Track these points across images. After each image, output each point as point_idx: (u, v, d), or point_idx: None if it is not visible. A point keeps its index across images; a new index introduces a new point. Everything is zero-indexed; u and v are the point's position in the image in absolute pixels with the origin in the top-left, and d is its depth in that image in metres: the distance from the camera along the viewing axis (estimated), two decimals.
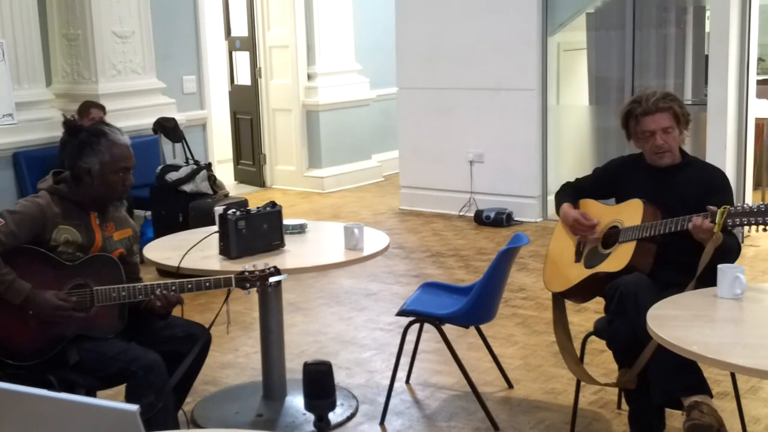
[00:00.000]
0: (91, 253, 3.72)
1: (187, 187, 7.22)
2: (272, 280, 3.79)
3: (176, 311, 3.92)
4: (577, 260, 4.17)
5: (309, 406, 2.36)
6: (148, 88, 8.61)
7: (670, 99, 4.05)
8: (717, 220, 3.62)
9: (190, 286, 3.74)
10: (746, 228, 3.60)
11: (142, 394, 3.56)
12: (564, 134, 8.74)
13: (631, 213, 4.01)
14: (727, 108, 7.36)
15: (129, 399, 3.61)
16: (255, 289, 3.79)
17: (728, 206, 3.64)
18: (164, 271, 4.27)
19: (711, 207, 3.69)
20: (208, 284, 3.76)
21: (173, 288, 3.71)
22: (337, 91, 10.54)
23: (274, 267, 3.82)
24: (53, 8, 8.32)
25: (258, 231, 4.31)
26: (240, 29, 10.75)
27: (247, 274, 3.77)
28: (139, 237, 4.09)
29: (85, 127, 3.89)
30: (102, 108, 7.51)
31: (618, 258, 3.96)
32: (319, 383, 2.33)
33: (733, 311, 3.37)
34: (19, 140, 7.51)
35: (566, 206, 4.27)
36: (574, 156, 8.80)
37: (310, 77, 10.43)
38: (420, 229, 8.48)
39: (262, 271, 3.79)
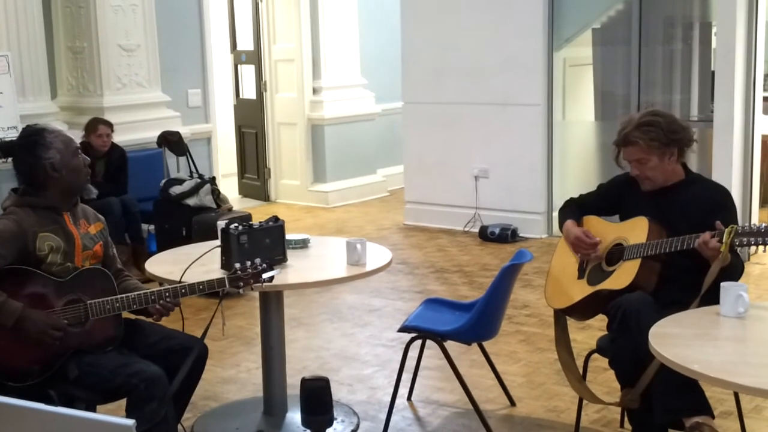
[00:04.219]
0: (76, 253, 3.71)
1: (191, 201, 7.21)
2: (265, 276, 3.76)
3: (177, 326, 3.90)
4: (580, 277, 4.15)
5: (306, 422, 2.35)
6: (153, 101, 8.62)
7: (644, 129, 3.95)
8: (724, 240, 3.60)
9: (183, 290, 3.72)
10: (753, 247, 3.58)
11: (144, 406, 3.54)
12: (570, 150, 8.72)
13: (636, 231, 3.99)
14: (733, 124, 7.34)
15: (130, 412, 3.59)
16: (249, 287, 3.77)
17: (735, 226, 3.62)
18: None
19: (719, 224, 3.66)
20: (201, 287, 3.74)
21: (167, 294, 3.70)
22: (343, 105, 10.54)
23: (267, 263, 3.80)
24: (59, 21, 8.34)
25: (260, 245, 4.29)
26: (246, 43, 10.76)
27: (239, 273, 3.75)
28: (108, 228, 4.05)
29: (19, 137, 3.85)
30: (110, 125, 7.53)
31: (622, 275, 3.94)
32: (317, 399, 2.32)
33: (736, 330, 3.34)
34: None
35: (570, 223, 4.25)
36: (579, 172, 8.77)
37: (315, 91, 10.43)
38: (424, 244, 8.46)
39: (254, 267, 3.76)
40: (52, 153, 3.71)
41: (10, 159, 3.88)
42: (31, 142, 3.73)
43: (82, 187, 3.88)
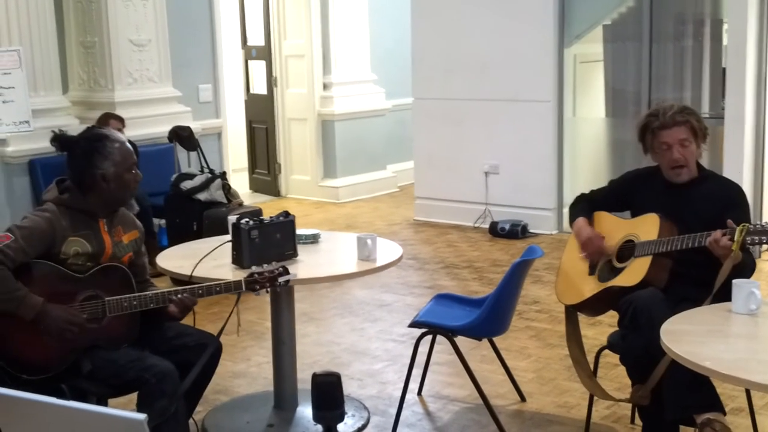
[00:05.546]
0: (102, 260, 3.71)
1: (202, 196, 7.22)
2: (281, 280, 3.79)
3: (189, 320, 3.91)
4: (591, 273, 4.14)
5: (317, 417, 2.35)
6: (164, 96, 8.62)
7: (687, 112, 4.02)
8: (736, 238, 3.59)
9: (200, 291, 3.74)
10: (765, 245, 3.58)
11: (155, 401, 3.55)
12: (580, 146, 8.71)
13: (647, 227, 3.98)
14: (744, 121, 7.32)
15: (141, 407, 3.61)
16: (265, 290, 3.78)
17: (747, 224, 3.61)
18: (178, 279, 4.28)
19: (731, 222, 3.65)
20: (218, 288, 3.76)
21: (184, 293, 3.71)
22: (353, 100, 10.54)
23: (283, 267, 3.82)
24: (70, 16, 8.35)
25: (271, 241, 4.30)
26: (256, 38, 10.76)
27: (256, 276, 3.77)
28: (144, 237, 4.06)
29: (81, 136, 3.83)
30: (121, 120, 7.53)
31: (633, 272, 3.93)
32: (328, 394, 2.32)
33: (748, 326, 3.33)
34: (35, 147, 7.50)
35: (582, 221, 4.24)
36: (590, 168, 8.76)
37: (325, 87, 10.43)
38: (434, 240, 8.46)
39: (271, 272, 3.79)
40: (108, 165, 3.71)
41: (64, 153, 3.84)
42: (91, 148, 3.72)
43: (126, 202, 3.90)
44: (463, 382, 4.74)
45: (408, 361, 4.53)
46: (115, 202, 3.80)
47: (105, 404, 3.77)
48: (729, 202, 3.94)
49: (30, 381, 3.53)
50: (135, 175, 3.82)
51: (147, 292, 3.72)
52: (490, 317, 4.36)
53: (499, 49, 8.56)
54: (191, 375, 3.68)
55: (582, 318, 4.42)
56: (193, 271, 4.05)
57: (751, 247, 3.68)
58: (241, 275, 4.01)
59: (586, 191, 4.43)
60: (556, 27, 8.31)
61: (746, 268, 3.74)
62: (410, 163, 9.78)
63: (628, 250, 4.03)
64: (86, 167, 3.72)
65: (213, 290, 3.76)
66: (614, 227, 4.17)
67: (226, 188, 7.37)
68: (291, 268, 3.92)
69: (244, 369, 5.35)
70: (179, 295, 3.71)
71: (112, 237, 3.78)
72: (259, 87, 10.91)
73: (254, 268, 3.82)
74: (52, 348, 3.58)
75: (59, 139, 3.83)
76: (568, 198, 7.89)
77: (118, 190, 3.75)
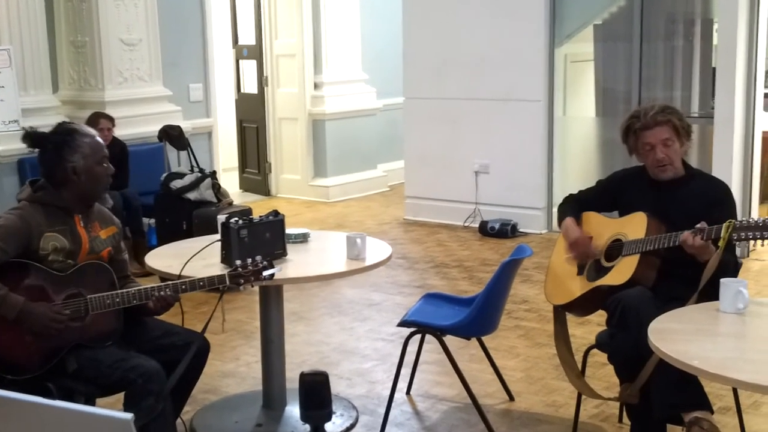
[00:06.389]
0: (80, 255, 3.70)
1: (192, 195, 7.21)
2: (266, 273, 3.77)
3: (177, 319, 3.91)
4: (580, 273, 4.15)
5: (305, 417, 2.35)
6: (155, 95, 8.62)
7: (668, 112, 4.02)
8: (722, 234, 3.61)
9: (184, 286, 3.72)
10: (751, 242, 3.58)
11: (141, 400, 3.54)
12: (570, 146, 8.72)
13: (634, 226, 3.99)
14: (734, 121, 7.33)
15: (128, 406, 3.60)
16: (250, 284, 3.77)
17: (733, 220, 3.62)
18: (167, 279, 4.27)
19: (702, 223, 3.68)
20: (202, 283, 3.74)
21: (167, 289, 3.70)
22: (344, 100, 10.54)
23: (267, 260, 3.80)
24: (61, 15, 8.34)
25: (260, 240, 4.29)
26: (247, 37, 10.75)
27: (240, 270, 3.75)
28: (122, 232, 4.06)
29: (51, 132, 3.82)
30: (111, 119, 7.53)
31: (621, 271, 3.94)
32: (315, 394, 2.32)
33: (736, 326, 3.34)
34: (24, 147, 7.42)
35: (570, 221, 4.24)
36: (580, 168, 8.77)
37: (316, 86, 10.43)
38: (424, 239, 8.46)
39: (255, 264, 3.77)
40: (77, 157, 3.71)
41: (36, 150, 3.84)
42: (60, 141, 3.73)
43: (98, 196, 3.88)
44: (452, 381, 4.74)
45: (397, 360, 4.52)
46: (87, 195, 3.79)
47: (93, 404, 3.76)
48: (716, 200, 3.96)
49: (15, 381, 3.52)
50: (106, 169, 3.80)
51: (130, 289, 3.71)
52: (479, 316, 4.36)
53: (489, 48, 8.56)
54: (177, 372, 3.66)
55: (570, 317, 4.42)
56: (182, 270, 4.03)
57: (737, 243, 3.69)
58: None
59: (576, 191, 4.44)
60: (547, 26, 8.32)
61: (727, 267, 3.74)
62: (401, 162, 9.79)
63: (616, 249, 4.04)
64: (57, 161, 3.71)
65: (197, 285, 3.74)
66: (602, 227, 4.17)
67: (216, 187, 7.37)
68: (282, 268, 3.90)
69: (233, 368, 5.35)
70: (161, 292, 3.70)
71: (88, 232, 3.77)
72: (250, 86, 10.90)
73: (238, 262, 3.80)
74: (35, 348, 3.57)
75: (30, 136, 3.83)
76: (558, 197, 7.87)
77: (89, 183, 3.74)
